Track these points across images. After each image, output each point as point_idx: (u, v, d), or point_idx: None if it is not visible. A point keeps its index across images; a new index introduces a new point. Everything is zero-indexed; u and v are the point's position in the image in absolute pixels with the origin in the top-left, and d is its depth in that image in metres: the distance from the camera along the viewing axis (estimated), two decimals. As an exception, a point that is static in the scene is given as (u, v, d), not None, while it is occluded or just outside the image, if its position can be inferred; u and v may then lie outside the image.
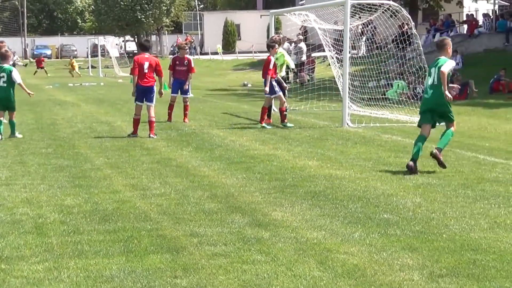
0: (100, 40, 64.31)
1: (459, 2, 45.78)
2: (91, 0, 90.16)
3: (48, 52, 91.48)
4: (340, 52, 20.06)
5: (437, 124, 11.83)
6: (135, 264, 6.73)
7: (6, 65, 16.29)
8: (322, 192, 9.90)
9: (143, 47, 17.02)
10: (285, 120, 18.30)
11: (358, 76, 22.16)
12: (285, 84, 18.72)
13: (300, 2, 67.45)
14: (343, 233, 7.74)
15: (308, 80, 26.43)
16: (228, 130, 17.45)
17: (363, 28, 28.48)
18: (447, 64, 11.36)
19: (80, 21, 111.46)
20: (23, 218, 8.57)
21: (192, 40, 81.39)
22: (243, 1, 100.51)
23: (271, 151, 13.94)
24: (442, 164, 11.39)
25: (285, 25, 49.07)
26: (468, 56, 37.14)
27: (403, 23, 26.88)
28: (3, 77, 16.17)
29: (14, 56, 17.84)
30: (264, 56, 20.81)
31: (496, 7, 44.49)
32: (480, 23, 41.85)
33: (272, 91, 18.03)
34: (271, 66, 17.88)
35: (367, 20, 22.51)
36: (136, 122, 16.39)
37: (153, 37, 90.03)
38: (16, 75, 16.20)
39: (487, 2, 47.09)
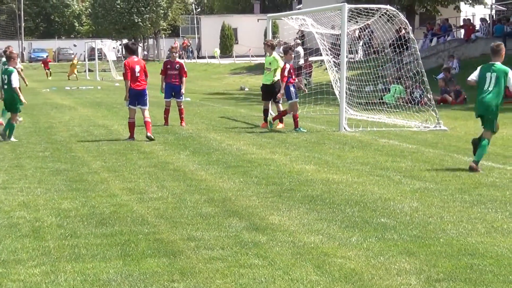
0: (97, 43, 64.18)
1: (456, 7, 45.85)
2: (88, 3, 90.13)
3: (45, 55, 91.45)
4: (337, 56, 20.07)
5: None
6: (132, 268, 6.72)
7: (11, 67, 16.30)
8: (319, 196, 9.91)
9: (131, 50, 17.01)
10: (298, 126, 18.28)
11: (355, 80, 22.15)
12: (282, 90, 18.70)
13: (297, 7, 67.59)
14: (340, 237, 7.75)
15: (306, 85, 26.39)
16: (225, 134, 17.45)
17: (360, 32, 28.51)
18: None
19: (77, 25, 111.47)
20: (20, 221, 8.57)
21: (189, 44, 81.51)
22: (240, 5, 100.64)
23: (268, 155, 13.94)
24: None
25: (282, 29, 49.11)
26: (465, 61, 37.20)
27: (400, 27, 26.93)
28: (5, 79, 16.21)
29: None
30: (261, 60, 20.81)
31: (493, 11, 44.59)
32: (477, 27, 41.91)
33: (288, 96, 18.08)
34: (285, 73, 17.95)
35: (364, 25, 22.51)
36: (131, 126, 16.39)
37: (150, 41, 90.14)
38: (15, 78, 16.17)
39: (484, 7, 47.19)
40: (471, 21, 43.15)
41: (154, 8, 78.83)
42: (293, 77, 18.39)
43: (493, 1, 50.89)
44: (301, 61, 32.57)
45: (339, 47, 19.13)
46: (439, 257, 7.00)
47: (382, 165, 12.62)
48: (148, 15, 78.52)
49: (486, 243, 7.46)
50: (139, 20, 77.98)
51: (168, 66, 19.67)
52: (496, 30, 39.31)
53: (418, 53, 19.79)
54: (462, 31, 42.18)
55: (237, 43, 77.53)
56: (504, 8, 50.72)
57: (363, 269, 6.64)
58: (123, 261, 6.93)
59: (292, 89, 18.09)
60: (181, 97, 19.65)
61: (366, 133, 17.56)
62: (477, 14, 47.54)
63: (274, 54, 19.40)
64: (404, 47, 23.85)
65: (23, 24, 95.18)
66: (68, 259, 7.01)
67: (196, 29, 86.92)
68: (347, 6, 18.66)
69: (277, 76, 19.07)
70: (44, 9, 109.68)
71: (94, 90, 41.26)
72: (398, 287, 6.17)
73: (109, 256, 7.08)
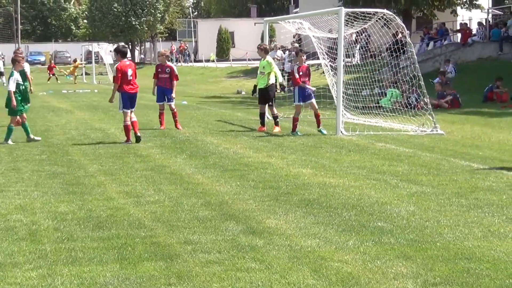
0: (94, 46, 64.19)
1: (453, 11, 45.92)
2: (85, 6, 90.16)
3: (42, 58, 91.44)
4: (334, 60, 20.09)
5: None
6: (129, 271, 6.72)
7: (13, 70, 16.31)
8: (316, 200, 9.90)
9: (123, 53, 17.04)
10: (320, 126, 18.25)
11: (352, 84, 22.17)
12: (279, 89, 18.71)
13: (294, 10, 67.67)
14: (337, 241, 7.74)
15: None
16: (222, 138, 17.44)
17: (357, 36, 28.53)
18: None
19: (74, 28, 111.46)
20: (16, 224, 8.56)
21: (186, 47, 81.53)
22: (237, 9, 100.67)
23: (265, 158, 13.94)
24: None
25: (279, 33, 49.17)
26: (461, 65, 37.26)
27: (397, 31, 26.97)
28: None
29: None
30: (258, 64, 20.79)
31: (490, 16, 44.64)
32: (474, 32, 41.98)
33: (297, 98, 18.00)
34: (297, 76, 17.89)
35: (361, 29, 22.53)
36: (127, 129, 16.40)
37: (147, 44, 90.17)
38: (11, 82, 16.15)
39: (481, 11, 47.25)
40: (468, 25, 43.22)
41: (151, 12, 78.89)
42: (307, 79, 18.16)
43: (490, 6, 50.96)
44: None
45: (336, 51, 19.14)
46: (436, 261, 7.00)
47: (379, 169, 12.62)
48: (145, 18, 78.59)
49: (483, 247, 7.47)
50: (136, 23, 78.00)
51: (159, 70, 19.81)
52: (493, 34, 39.40)
53: (415, 57, 19.80)
54: (459, 35, 42.24)
55: (234, 47, 77.54)
56: (501, 13, 50.78)
57: (360, 273, 6.64)
58: (120, 264, 6.93)
59: (299, 91, 17.94)
60: (172, 100, 19.66)
61: (363, 137, 17.56)
62: (474, 18, 47.57)
63: (268, 58, 19.43)
64: (401, 51, 23.87)
65: (20, 27, 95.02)
66: (64, 262, 7.00)
67: (193, 32, 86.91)
68: (344, 10, 18.68)
69: (272, 80, 19.07)
70: (41, 12, 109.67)
71: (91, 93, 41.26)
72: (395, 291, 6.17)
73: (106, 260, 7.08)
